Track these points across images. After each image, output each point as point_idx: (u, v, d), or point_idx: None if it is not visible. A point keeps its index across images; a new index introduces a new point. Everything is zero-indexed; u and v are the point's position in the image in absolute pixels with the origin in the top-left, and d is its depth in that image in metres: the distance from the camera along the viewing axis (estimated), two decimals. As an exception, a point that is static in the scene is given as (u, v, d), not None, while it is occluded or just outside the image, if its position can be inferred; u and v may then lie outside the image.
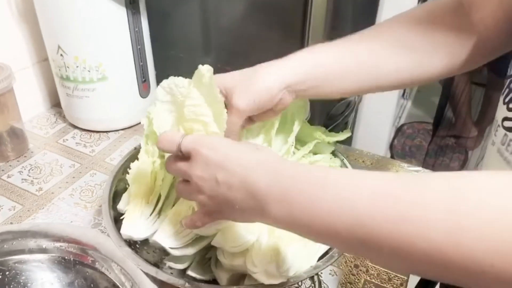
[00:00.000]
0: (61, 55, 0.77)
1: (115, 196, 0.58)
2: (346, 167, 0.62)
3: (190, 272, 0.52)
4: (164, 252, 0.52)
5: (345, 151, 0.80)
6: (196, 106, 0.45)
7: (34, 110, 0.91)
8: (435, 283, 0.77)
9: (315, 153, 0.63)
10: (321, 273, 0.58)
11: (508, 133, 0.40)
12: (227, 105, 0.48)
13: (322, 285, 0.57)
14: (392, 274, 0.59)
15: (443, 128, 2.24)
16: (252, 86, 0.48)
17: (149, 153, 0.57)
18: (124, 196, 0.56)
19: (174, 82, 0.47)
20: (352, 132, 1.46)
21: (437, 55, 0.50)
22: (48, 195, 0.71)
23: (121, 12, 0.76)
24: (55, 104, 0.94)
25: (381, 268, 0.60)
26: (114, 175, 0.60)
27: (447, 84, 2.04)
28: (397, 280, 0.58)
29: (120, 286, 0.49)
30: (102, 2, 0.73)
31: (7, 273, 0.52)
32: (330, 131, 0.64)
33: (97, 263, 0.51)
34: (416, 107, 2.50)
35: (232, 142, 0.41)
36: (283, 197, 0.35)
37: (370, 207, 0.30)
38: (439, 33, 0.49)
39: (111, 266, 0.51)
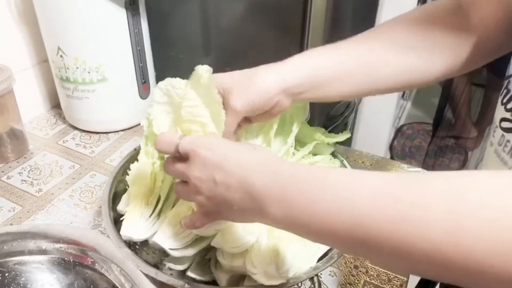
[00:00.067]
0: (61, 56, 0.77)
1: (115, 197, 0.58)
2: (346, 168, 0.62)
3: (189, 273, 0.52)
4: (163, 253, 0.52)
5: (344, 152, 0.80)
6: (193, 107, 0.45)
7: (34, 111, 0.91)
8: (434, 285, 0.77)
9: (314, 154, 0.63)
10: (321, 274, 0.58)
11: (505, 134, 0.41)
12: (224, 105, 0.48)
13: (322, 286, 0.57)
14: (392, 275, 0.59)
15: (443, 129, 2.24)
16: (250, 87, 0.48)
17: (149, 154, 0.57)
18: (124, 197, 0.56)
19: (170, 83, 0.47)
20: (352, 133, 1.47)
21: (437, 56, 0.50)
22: (47, 196, 0.71)
23: (121, 13, 0.76)
24: (55, 105, 0.94)
25: (381, 269, 0.60)
26: (114, 176, 0.60)
27: (447, 85, 2.04)
28: (397, 281, 0.58)
29: (119, 287, 0.49)
30: (102, 3, 0.73)
31: (6, 274, 0.52)
32: (329, 132, 0.64)
33: (96, 264, 0.51)
34: (416, 108, 2.51)
35: (230, 143, 0.41)
36: (282, 197, 0.35)
37: (370, 207, 0.30)
38: (439, 33, 0.49)
39: (110, 267, 0.51)
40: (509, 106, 0.40)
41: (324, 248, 0.51)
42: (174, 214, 0.51)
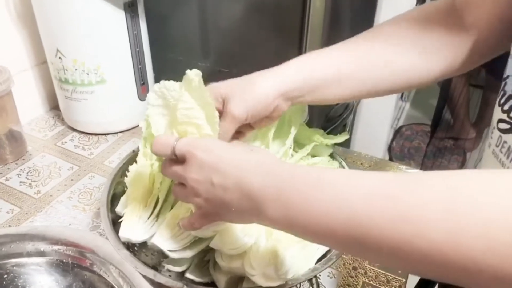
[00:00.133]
0: (60, 58, 0.77)
1: (114, 198, 0.58)
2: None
3: (188, 275, 0.52)
4: (162, 255, 0.52)
5: (343, 153, 0.81)
6: (188, 109, 0.45)
7: (32, 113, 0.91)
8: (433, 286, 0.77)
9: (313, 156, 0.63)
10: (320, 275, 0.58)
11: (502, 135, 0.41)
12: (223, 112, 0.48)
13: (321, 288, 0.57)
14: (391, 276, 0.59)
15: (441, 130, 2.24)
16: (248, 93, 0.48)
17: (148, 156, 0.57)
18: (122, 199, 0.56)
19: (165, 85, 0.47)
20: (351, 134, 1.47)
21: (435, 55, 0.50)
22: (46, 197, 0.71)
23: (120, 15, 0.76)
24: (54, 106, 0.94)
25: (380, 270, 0.60)
26: (112, 178, 0.60)
27: (445, 86, 2.05)
28: (396, 282, 0.58)
29: (118, 289, 0.49)
30: (100, 5, 0.73)
31: (5, 276, 0.52)
32: (328, 133, 0.64)
33: (95, 266, 0.51)
34: (415, 109, 2.51)
35: (227, 144, 0.41)
36: (280, 197, 0.35)
37: (368, 207, 0.30)
38: (437, 33, 0.49)
39: (109, 269, 0.51)
40: (506, 107, 0.40)
41: (322, 250, 0.51)
42: (172, 216, 0.51)
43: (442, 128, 2.26)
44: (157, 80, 0.89)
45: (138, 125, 0.87)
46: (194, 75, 0.45)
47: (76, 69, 0.77)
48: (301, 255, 0.49)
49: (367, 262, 0.61)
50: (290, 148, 0.60)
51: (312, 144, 0.61)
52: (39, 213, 0.67)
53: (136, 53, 0.82)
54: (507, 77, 0.41)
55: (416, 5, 1.55)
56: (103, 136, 0.86)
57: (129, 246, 0.52)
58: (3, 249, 0.52)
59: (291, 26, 0.79)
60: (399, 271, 0.60)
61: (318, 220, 0.33)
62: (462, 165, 2.14)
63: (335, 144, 0.64)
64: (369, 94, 0.53)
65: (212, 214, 0.43)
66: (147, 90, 0.87)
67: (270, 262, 0.48)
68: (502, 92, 0.41)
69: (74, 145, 0.83)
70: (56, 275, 0.53)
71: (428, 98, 2.45)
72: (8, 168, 0.77)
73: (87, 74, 0.78)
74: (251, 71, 0.50)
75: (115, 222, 0.54)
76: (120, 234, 0.51)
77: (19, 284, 0.53)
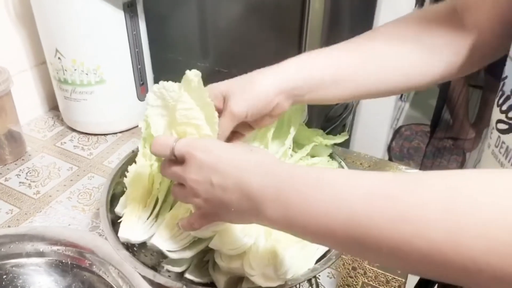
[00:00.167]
0: (59, 58, 0.77)
1: (113, 199, 0.58)
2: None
3: (187, 275, 0.52)
4: (161, 255, 0.52)
5: (342, 153, 0.81)
6: (187, 109, 0.45)
7: (32, 113, 0.91)
8: (433, 286, 0.77)
9: (312, 156, 0.63)
10: (319, 275, 0.58)
11: (501, 135, 0.41)
12: (223, 110, 0.48)
13: (320, 288, 0.57)
14: (390, 276, 0.59)
15: (441, 130, 2.25)
16: (248, 90, 0.47)
17: (147, 156, 0.57)
18: (122, 199, 0.56)
19: (164, 86, 0.47)
20: (350, 135, 1.47)
21: (436, 55, 0.50)
22: (45, 198, 0.71)
23: (119, 15, 0.76)
24: (53, 107, 0.94)
25: (379, 271, 0.60)
26: (111, 178, 0.60)
27: (444, 87, 2.05)
28: (395, 283, 0.58)
29: (117, 290, 0.49)
30: (100, 5, 0.73)
31: (4, 276, 0.52)
32: (327, 133, 0.64)
33: (94, 267, 0.51)
34: (414, 109, 2.51)
35: (226, 145, 0.41)
36: (279, 198, 0.35)
37: (368, 207, 0.30)
38: (437, 34, 0.50)
39: (108, 270, 0.50)
40: (504, 107, 0.40)
41: (322, 250, 0.51)
42: (172, 216, 0.51)
43: (441, 128, 2.26)
44: (156, 80, 0.89)
45: (137, 126, 0.86)
46: (193, 75, 0.45)
47: (75, 70, 0.77)
48: (300, 255, 0.49)
49: (366, 262, 0.61)
50: (290, 148, 0.60)
51: (312, 144, 0.62)
52: (39, 214, 0.67)
53: (135, 53, 0.82)
54: (506, 77, 0.41)
55: (415, 6, 1.55)
56: (103, 136, 0.86)
57: (129, 247, 0.52)
58: (2, 249, 0.52)
59: (291, 26, 0.79)
60: (399, 271, 0.60)
61: (318, 220, 0.33)
62: (461, 165, 2.15)
63: (335, 144, 0.64)
64: (368, 95, 0.53)
65: (212, 214, 0.43)
66: (147, 90, 0.87)
67: (269, 262, 0.48)
68: (500, 93, 0.41)
69: (74, 146, 0.83)
70: (56, 276, 0.53)
71: (428, 98, 2.45)
72: (8, 169, 0.77)
73: (86, 74, 0.78)
74: (250, 71, 0.50)
75: (115, 222, 0.54)
76: (119, 234, 0.51)
77: (18, 284, 0.53)
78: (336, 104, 1.06)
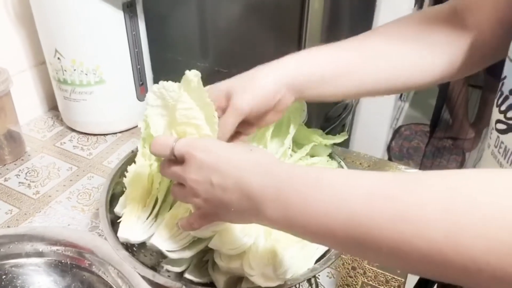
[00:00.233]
0: (58, 58, 0.77)
1: (113, 199, 0.58)
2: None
3: (187, 275, 0.52)
4: (161, 255, 0.52)
5: (342, 153, 0.81)
6: (187, 109, 0.45)
7: (31, 113, 0.91)
8: (433, 285, 0.77)
9: (312, 156, 0.63)
10: (319, 275, 0.58)
11: (500, 135, 0.41)
12: (228, 108, 0.47)
13: (320, 288, 0.57)
14: (390, 276, 0.59)
15: (440, 130, 2.25)
16: (250, 86, 0.47)
17: (146, 156, 0.57)
18: (121, 199, 0.56)
19: (164, 86, 0.47)
20: (350, 134, 1.47)
21: (436, 54, 0.50)
22: (45, 198, 0.71)
23: (118, 15, 0.76)
24: (53, 107, 0.94)
25: (379, 270, 0.60)
26: (111, 178, 0.60)
27: (444, 86, 2.05)
28: (395, 282, 0.58)
29: (117, 290, 0.49)
30: (99, 5, 0.73)
31: (3, 277, 0.52)
32: (327, 133, 0.64)
33: (94, 267, 0.51)
34: (414, 109, 2.51)
35: (226, 144, 0.41)
36: (279, 198, 0.35)
37: (367, 207, 0.30)
38: (437, 33, 0.50)
39: (108, 270, 0.50)
40: (503, 107, 0.40)
41: (322, 250, 0.51)
42: (171, 216, 0.51)
43: (441, 128, 2.26)
44: (156, 80, 0.90)
45: (137, 126, 0.87)
46: (193, 75, 0.45)
47: (74, 70, 0.77)
48: (300, 255, 0.49)
49: (366, 262, 0.61)
50: (289, 148, 0.60)
51: (311, 144, 0.62)
52: (38, 214, 0.67)
53: (134, 53, 0.81)
54: (505, 77, 0.41)
55: (414, 6, 1.55)
56: (102, 136, 0.86)
57: (128, 247, 0.52)
58: (1, 249, 0.52)
59: (290, 26, 0.79)
60: (398, 271, 0.60)
61: (318, 220, 0.33)
62: (461, 165, 2.15)
63: (334, 144, 0.64)
64: (368, 93, 0.53)
65: (211, 214, 0.43)
66: (146, 90, 0.87)
67: (269, 262, 0.48)
68: (499, 93, 0.41)
69: (73, 146, 0.83)
70: (55, 276, 0.53)
71: (427, 98, 2.45)
72: (7, 169, 0.77)
73: (86, 74, 0.78)
74: (250, 71, 0.50)
75: (114, 222, 0.54)
76: (119, 234, 0.51)
77: (18, 284, 0.53)
78: (336, 104, 1.06)
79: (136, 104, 0.86)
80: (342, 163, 0.63)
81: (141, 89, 0.86)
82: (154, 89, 0.48)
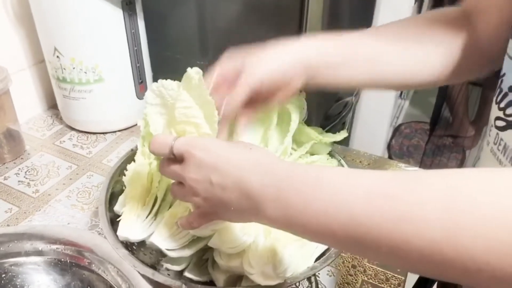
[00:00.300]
0: (58, 56, 0.77)
1: (112, 197, 0.58)
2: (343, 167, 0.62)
3: (187, 274, 0.52)
4: (161, 254, 0.52)
5: (342, 151, 0.80)
6: (187, 108, 0.45)
7: (30, 112, 0.91)
8: (432, 284, 0.77)
9: (312, 154, 0.63)
10: (319, 273, 0.58)
11: (499, 132, 0.41)
12: (239, 79, 0.47)
13: (320, 286, 0.57)
14: (390, 274, 0.59)
15: (440, 128, 2.25)
16: (265, 59, 0.48)
17: (146, 154, 0.57)
18: (121, 197, 0.56)
19: (163, 85, 0.47)
20: (350, 133, 1.47)
21: (443, 57, 0.51)
22: (44, 197, 0.70)
23: (118, 14, 0.76)
24: (52, 105, 0.93)
25: (379, 269, 0.60)
26: (110, 177, 0.60)
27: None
28: (395, 280, 0.58)
29: (116, 288, 0.49)
30: (98, 4, 0.73)
31: (3, 275, 0.52)
32: (327, 131, 0.64)
33: (93, 265, 0.51)
34: (414, 107, 2.51)
35: (225, 143, 0.41)
36: (279, 197, 0.35)
37: (367, 207, 0.30)
38: (445, 37, 0.51)
39: (107, 268, 0.50)
40: (502, 104, 0.40)
41: (321, 248, 0.51)
42: (171, 215, 0.51)
43: (441, 126, 2.26)
44: (155, 78, 0.89)
45: (136, 124, 0.87)
46: (194, 73, 0.45)
47: (74, 68, 0.77)
48: (299, 254, 0.49)
49: (366, 260, 0.61)
50: (289, 146, 0.60)
51: (311, 142, 0.61)
52: (38, 212, 0.67)
53: (134, 51, 0.81)
54: (504, 75, 0.41)
55: (414, 4, 1.55)
56: (102, 135, 0.86)
57: (128, 245, 0.52)
58: (1, 248, 0.52)
59: (290, 26, 0.78)
60: (398, 270, 0.60)
61: (317, 219, 0.33)
62: (461, 163, 2.15)
63: (334, 142, 0.63)
64: (377, 83, 0.53)
65: (211, 213, 0.43)
66: (145, 89, 0.87)
67: (268, 261, 0.47)
68: (499, 90, 0.41)
69: (73, 144, 0.83)
70: (54, 274, 0.53)
71: (427, 96, 2.45)
72: (6, 168, 0.77)
73: (85, 72, 0.77)
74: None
75: (114, 221, 0.53)
76: (118, 233, 0.51)
77: (17, 283, 0.53)
78: (336, 102, 1.06)
79: (136, 102, 0.86)
80: (342, 161, 0.63)
81: (141, 87, 0.85)
82: (153, 88, 0.48)
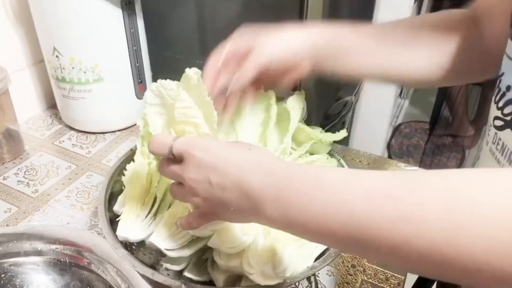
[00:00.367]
0: (57, 56, 0.77)
1: (111, 197, 0.57)
2: (343, 167, 0.62)
3: (186, 274, 0.52)
4: (160, 254, 0.52)
5: (342, 151, 0.80)
6: (186, 108, 0.45)
7: (30, 112, 0.91)
8: (432, 283, 0.77)
9: (311, 153, 0.63)
10: (318, 273, 0.58)
11: (498, 132, 0.41)
12: (248, 56, 0.49)
13: (319, 286, 0.57)
14: (389, 273, 0.59)
15: (440, 127, 2.25)
16: (275, 40, 0.49)
17: (145, 154, 0.57)
18: (120, 197, 0.56)
19: (162, 85, 0.47)
20: (349, 132, 1.47)
21: (450, 58, 0.51)
22: (44, 197, 0.70)
23: (117, 13, 0.76)
24: (51, 105, 0.93)
25: (379, 268, 0.60)
26: (110, 177, 0.59)
27: (444, 84, 2.04)
28: (395, 280, 0.58)
29: (116, 288, 0.49)
30: (97, 3, 0.73)
31: (2, 275, 0.52)
32: (327, 131, 0.64)
33: (93, 265, 0.51)
34: (413, 106, 2.51)
35: (224, 143, 0.41)
36: (278, 197, 0.35)
37: (367, 207, 0.30)
38: (451, 39, 0.51)
39: (107, 268, 0.50)
40: (500, 104, 0.40)
41: (321, 248, 0.51)
42: (170, 215, 0.51)
43: (440, 125, 2.26)
44: (154, 78, 0.89)
45: (135, 124, 0.86)
46: (193, 73, 0.45)
47: (73, 68, 0.77)
48: (299, 253, 0.49)
49: (365, 260, 0.61)
50: (289, 146, 0.60)
51: (311, 141, 0.61)
52: (37, 212, 0.67)
53: (133, 51, 0.81)
54: (502, 74, 0.41)
55: (414, 4, 1.54)
56: (101, 134, 0.86)
57: (127, 245, 0.52)
58: (0, 248, 0.52)
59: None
60: (399, 270, 0.60)
61: (317, 219, 0.33)
62: (461, 162, 2.15)
63: (334, 141, 0.63)
64: (376, 77, 0.55)
65: (210, 213, 0.42)
66: (145, 89, 0.86)
67: (268, 261, 0.47)
68: (497, 89, 0.41)
69: (72, 144, 0.83)
70: (54, 275, 0.53)
71: (427, 95, 2.45)
72: (6, 167, 0.77)
73: (84, 72, 0.77)
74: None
75: (113, 221, 0.53)
76: (117, 233, 0.51)
77: (17, 283, 0.53)
78: (335, 102, 1.06)
79: (135, 102, 0.86)
80: (342, 161, 0.63)
81: (140, 87, 0.85)
82: (153, 88, 0.48)
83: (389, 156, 2.14)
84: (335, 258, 0.50)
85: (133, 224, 0.51)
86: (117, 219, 0.53)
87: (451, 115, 2.22)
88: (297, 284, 0.57)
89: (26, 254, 0.53)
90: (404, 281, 0.59)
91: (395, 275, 0.59)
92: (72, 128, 0.87)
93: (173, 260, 0.52)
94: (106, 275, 0.50)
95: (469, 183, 0.28)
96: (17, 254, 0.53)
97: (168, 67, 0.93)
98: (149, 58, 0.87)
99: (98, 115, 0.83)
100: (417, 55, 0.51)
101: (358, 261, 0.61)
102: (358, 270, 0.60)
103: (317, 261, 0.50)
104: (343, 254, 0.61)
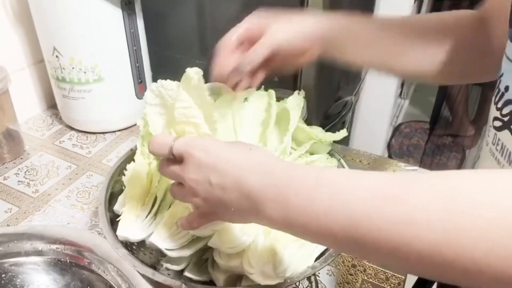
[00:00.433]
0: (57, 56, 0.77)
1: (112, 197, 0.57)
2: (343, 167, 0.62)
3: (187, 273, 0.52)
4: (160, 254, 0.52)
5: (342, 151, 0.80)
6: (186, 108, 0.45)
7: (30, 112, 0.91)
8: (432, 283, 0.77)
9: (311, 153, 0.63)
10: (319, 273, 0.58)
11: (497, 132, 0.41)
12: (261, 38, 0.50)
13: (320, 285, 0.57)
14: (390, 273, 0.59)
15: (440, 127, 2.25)
16: (288, 23, 0.51)
17: (145, 154, 0.57)
18: (120, 197, 0.56)
19: (162, 85, 0.47)
20: (349, 132, 1.47)
21: (455, 58, 0.51)
22: (44, 197, 0.70)
23: (117, 13, 0.76)
24: (51, 105, 0.93)
25: (379, 268, 0.60)
26: (110, 177, 0.59)
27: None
28: (395, 280, 0.58)
29: (116, 288, 0.49)
30: (97, 3, 0.73)
31: (3, 275, 0.52)
32: (327, 131, 0.64)
33: (93, 265, 0.51)
34: (413, 106, 2.51)
35: (225, 143, 0.41)
36: (278, 197, 0.34)
37: (367, 208, 0.30)
38: (457, 39, 0.51)
39: (107, 268, 0.50)
40: (499, 104, 0.40)
41: (321, 248, 0.51)
42: (170, 215, 0.51)
43: (441, 125, 2.26)
44: (154, 78, 0.89)
45: (136, 124, 0.86)
46: (194, 73, 0.45)
47: (73, 68, 0.77)
48: (299, 253, 0.49)
49: (366, 260, 0.61)
50: (288, 145, 0.60)
51: (311, 141, 0.61)
52: (37, 212, 0.67)
53: (133, 51, 0.81)
54: (502, 75, 0.41)
55: (414, 4, 1.54)
56: (101, 134, 0.86)
57: (127, 245, 0.52)
58: (1, 248, 0.52)
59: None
60: (400, 271, 0.60)
61: (317, 220, 0.33)
62: (461, 162, 2.15)
63: (334, 141, 0.63)
64: (380, 68, 0.57)
65: (211, 213, 0.42)
66: (145, 88, 0.86)
67: (268, 260, 0.47)
68: (497, 90, 0.41)
69: (72, 144, 0.83)
70: (54, 274, 0.53)
71: (427, 95, 2.45)
72: (6, 168, 0.77)
73: (84, 72, 0.77)
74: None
75: (113, 221, 0.53)
76: (118, 233, 0.51)
77: (17, 283, 0.53)
78: (335, 102, 1.06)
79: (135, 102, 0.86)
80: (342, 160, 0.63)
81: (140, 87, 0.85)
82: (153, 88, 0.48)
83: (389, 156, 2.14)
84: (335, 257, 0.50)
85: (134, 224, 0.51)
86: (117, 219, 0.53)
87: (451, 115, 2.22)
88: (297, 284, 0.57)
89: (27, 254, 0.53)
90: (404, 281, 0.59)
91: (396, 275, 0.59)
92: (72, 128, 0.87)
93: (173, 260, 0.52)
94: (106, 275, 0.50)
95: (469, 184, 0.28)
96: (18, 254, 0.53)
97: (168, 67, 0.93)
98: (149, 58, 0.87)
99: (98, 115, 0.84)
100: (424, 52, 0.52)
101: (359, 260, 0.61)
102: (358, 270, 0.60)
103: (318, 260, 0.50)
104: (343, 254, 0.61)
